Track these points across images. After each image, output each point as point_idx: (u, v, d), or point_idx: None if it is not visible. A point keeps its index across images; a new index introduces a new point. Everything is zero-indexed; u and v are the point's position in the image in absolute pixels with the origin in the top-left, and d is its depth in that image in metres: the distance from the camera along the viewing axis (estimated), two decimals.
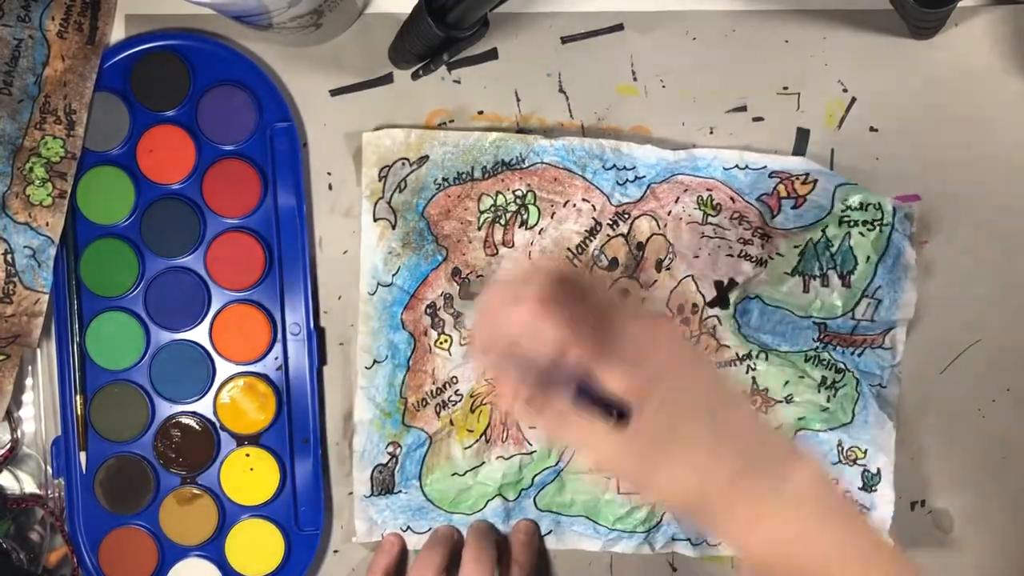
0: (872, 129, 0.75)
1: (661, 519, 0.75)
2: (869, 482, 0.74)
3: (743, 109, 0.74)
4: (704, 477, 0.51)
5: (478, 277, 0.74)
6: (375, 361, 0.74)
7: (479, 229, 0.74)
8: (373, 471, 0.75)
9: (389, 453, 0.75)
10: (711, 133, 0.74)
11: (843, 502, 0.55)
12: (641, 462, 0.51)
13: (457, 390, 0.74)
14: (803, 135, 0.74)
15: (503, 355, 0.51)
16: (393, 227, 0.74)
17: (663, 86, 0.74)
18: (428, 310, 0.74)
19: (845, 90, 0.74)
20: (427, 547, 0.74)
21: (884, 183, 0.74)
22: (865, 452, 0.74)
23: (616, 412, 0.51)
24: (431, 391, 0.74)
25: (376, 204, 0.74)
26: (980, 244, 0.75)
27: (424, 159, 0.73)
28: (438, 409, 0.74)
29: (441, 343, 0.74)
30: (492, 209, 0.74)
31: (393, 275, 0.74)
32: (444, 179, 0.73)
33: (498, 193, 0.73)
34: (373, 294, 0.74)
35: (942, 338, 0.75)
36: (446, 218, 0.74)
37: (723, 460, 0.51)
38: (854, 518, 0.54)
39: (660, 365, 0.51)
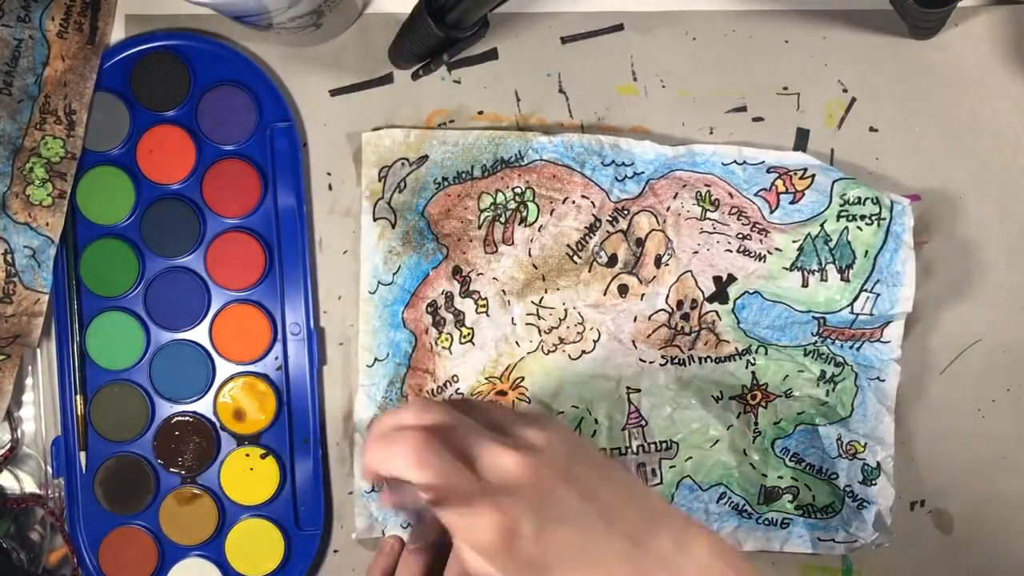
0: (872, 129, 0.75)
1: None
2: (869, 476, 0.74)
3: (743, 109, 0.74)
4: (599, 549, 0.50)
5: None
6: (376, 359, 0.74)
7: (479, 228, 0.74)
8: None
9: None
10: (711, 133, 0.74)
11: (745, 569, 0.53)
12: (532, 566, 0.49)
13: (458, 389, 0.74)
14: (803, 135, 0.74)
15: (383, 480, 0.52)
16: (393, 226, 0.74)
17: (663, 86, 0.74)
18: (429, 309, 0.74)
19: (845, 90, 0.74)
20: (414, 534, 0.74)
21: (884, 183, 0.74)
22: (864, 446, 0.74)
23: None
24: (432, 390, 0.74)
25: (376, 204, 0.74)
26: (980, 244, 0.75)
27: (424, 159, 0.73)
28: None
29: (442, 342, 0.74)
30: (492, 207, 0.74)
31: (394, 274, 0.74)
32: (444, 178, 0.74)
33: (498, 191, 0.74)
34: (374, 293, 0.74)
35: (942, 338, 0.75)
36: (446, 217, 0.74)
37: (613, 548, 0.50)
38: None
39: (520, 478, 0.50)
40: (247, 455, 0.75)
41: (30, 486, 0.77)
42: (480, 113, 0.75)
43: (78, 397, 0.74)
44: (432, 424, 0.51)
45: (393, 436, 0.50)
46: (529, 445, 0.51)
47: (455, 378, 0.74)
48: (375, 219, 0.74)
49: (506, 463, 0.50)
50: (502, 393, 0.74)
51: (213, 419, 0.75)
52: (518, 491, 0.49)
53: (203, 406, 0.75)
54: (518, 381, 0.74)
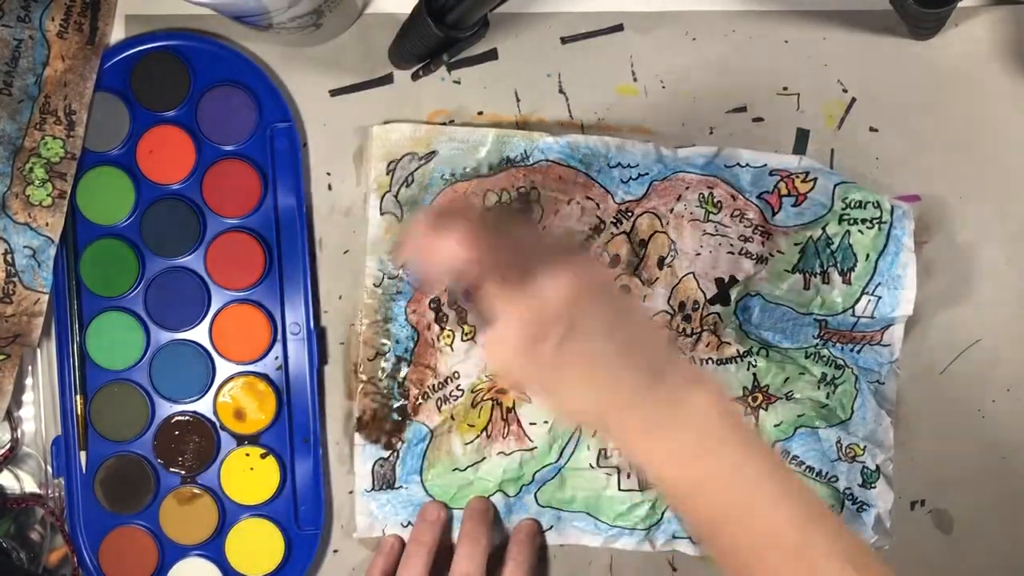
0: (872, 129, 0.75)
1: (662, 516, 0.75)
2: (868, 479, 0.74)
3: (743, 109, 0.74)
4: (602, 396, 0.54)
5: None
6: (377, 353, 0.74)
7: None
8: (374, 465, 0.75)
9: (390, 447, 0.75)
10: (711, 133, 0.74)
11: (742, 425, 0.57)
12: (546, 375, 0.54)
13: (459, 385, 0.74)
14: (803, 135, 0.74)
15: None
16: (400, 221, 0.74)
17: (663, 86, 0.74)
18: (432, 305, 0.74)
19: (845, 90, 0.74)
20: (415, 533, 0.74)
21: (884, 183, 0.74)
22: (864, 449, 0.74)
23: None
24: (433, 385, 0.75)
25: (383, 198, 0.74)
26: (980, 244, 0.75)
27: (432, 154, 0.73)
28: (439, 404, 0.75)
29: (444, 338, 0.74)
30: (497, 206, 0.74)
31: (399, 268, 0.74)
32: (451, 175, 0.74)
33: (503, 190, 0.74)
34: (378, 286, 0.74)
35: (942, 338, 0.75)
36: None
37: (622, 381, 0.54)
38: (753, 442, 0.56)
39: (564, 301, 0.53)
40: (247, 455, 0.75)
41: (30, 486, 0.77)
42: (480, 113, 0.75)
43: (78, 397, 0.74)
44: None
45: (448, 219, 0.54)
46: (560, 278, 0.53)
47: (456, 374, 0.74)
48: (382, 213, 0.74)
49: (547, 280, 0.53)
50: (503, 391, 0.74)
51: (213, 419, 0.75)
52: (556, 303, 0.53)
53: (203, 406, 0.75)
54: None
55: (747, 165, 0.73)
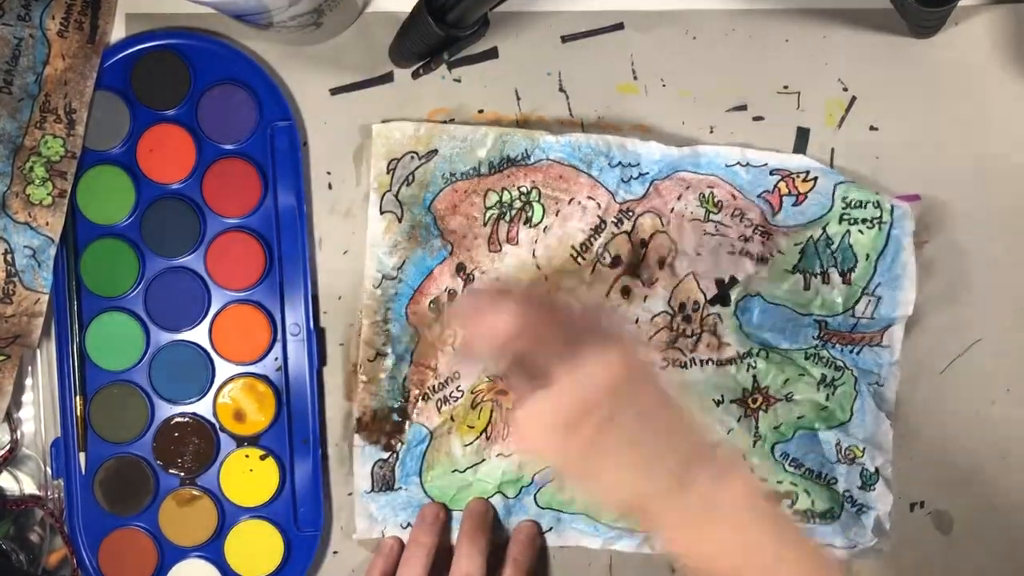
0: (872, 129, 0.75)
1: None
2: (867, 481, 0.74)
3: (743, 108, 0.74)
4: (642, 483, 0.54)
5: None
6: (378, 354, 0.74)
7: (484, 225, 0.74)
8: (374, 466, 0.75)
9: (390, 447, 0.75)
10: (711, 132, 0.74)
11: (777, 514, 0.58)
12: (583, 461, 0.54)
13: (459, 386, 0.74)
14: (803, 134, 0.74)
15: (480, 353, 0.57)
16: (399, 220, 0.74)
17: (663, 85, 0.75)
18: (432, 305, 0.74)
19: (845, 89, 0.74)
20: (414, 534, 0.74)
21: (884, 183, 0.74)
22: (863, 451, 0.74)
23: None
24: (433, 386, 0.74)
25: (383, 197, 0.74)
26: (980, 244, 0.75)
27: (433, 153, 0.73)
28: (439, 404, 0.74)
29: (445, 338, 0.74)
30: (497, 205, 0.74)
31: (398, 269, 0.74)
32: (452, 174, 0.74)
33: (504, 190, 0.74)
34: (377, 287, 0.74)
35: (942, 338, 0.75)
36: (452, 213, 0.74)
37: (662, 468, 0.54)
38: (789, 531, 0.57)
39: (610, 383, 0.53)
40: (246, 456, 0.75)
41: (29, 487, 0.76)
42: (480, 112, 0.75)
43: (78, 398, 0.74)
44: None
45: (499, 294, 0.56)
46: (601, 363, 0.54)
47: (456, 375, 0.74)
48: (382, 212, 0.74)
49: (591, 363, 0.53)
50: (503, 392, 0.74)
51: (213, 420, 0.75)
52: (598, 388, 0.53)
53: (203, 407, 0.75)
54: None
55: (748, 164, 0.73)
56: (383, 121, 0.74)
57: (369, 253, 0.74)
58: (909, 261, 0.73)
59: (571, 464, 0.55)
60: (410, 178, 0.73)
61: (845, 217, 0.72)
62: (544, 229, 0.74)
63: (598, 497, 0.58)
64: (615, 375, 0.53)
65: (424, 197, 0.74)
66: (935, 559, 0.76)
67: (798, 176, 0.73)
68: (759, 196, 0.73)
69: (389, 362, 0.74)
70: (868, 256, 0.72)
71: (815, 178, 0.73)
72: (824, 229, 0.73)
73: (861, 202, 0.72)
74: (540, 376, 0.54)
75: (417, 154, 0.73)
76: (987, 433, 0.76)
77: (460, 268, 0.74)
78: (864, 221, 0.72)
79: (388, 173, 0.73)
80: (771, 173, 0.73)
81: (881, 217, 0.72)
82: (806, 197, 0.73)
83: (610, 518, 0.75)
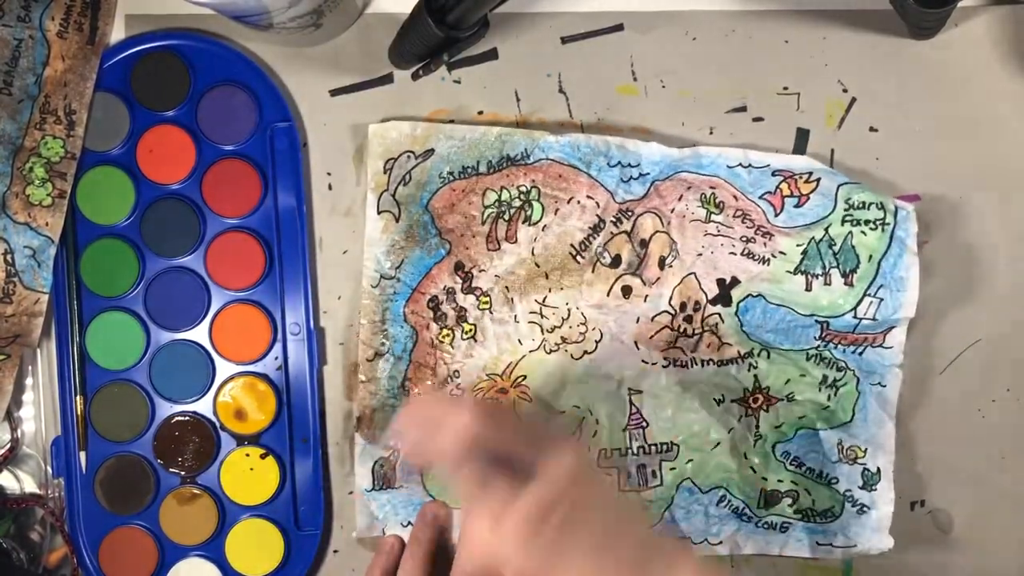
0: (872, 129, 0.75)
1: (661, 517, 0.75)
2: (869, 481, 0.74)
3: (743, 109, 0.74)
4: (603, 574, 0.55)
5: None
6: (377, 354, 0.74)
7: (483, 224, 0.74)
8: (374, 465, 0.75)
9: (390, 447, 0.75)
10: (711, 133, 0.74)
11: None
12: (547, 558, 0.54)
13: (459, 384, 0.74)
14: (803, 135, 0.74)
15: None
16: (397, 220, 0.74)
17: (663, 86, 0.74)
18: (431, 304, 0.74)
19: (845, 90, 0.74)
20: (414, 533, 0.74)
21: (884, 183, 0.74)
22: (865, 451, 0.74)
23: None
24: (432, 385, 0.74)
25: (380, 196, 0.74)
26: (980, 244, 0.75)
27: (430, 152, 0.73)
28: None
29: (443, 337, 0.74)
30: (496, 204, 0.74)
31: (396, 268, 0.74)
32: (449, 173, 0.74)
33: (503, 188, 0.74)
34: (376, 287, 0.74)
35: (942, 338, 0.75)
36: (450, 212, 0.74)
37: (621, 561, 0.55)
38: None
39: (571, 476, 0.55)
40: (247, 455, 0.75)
41: (30, 486, 0.77)
42: (480, 113, 0.75)
43: (78, 397, 0.74)
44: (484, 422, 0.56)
45: (452, 401, 0.58)
46: (561, 462, 0.55)
47: (456, 374, 0.74)
48: (379, 212, 0.74)
49: (553, 462, 0.55)
50: (503, 391, 0.74)
51: (213, 419, 0.75)
52: (561, 486, 0.54)
53: (203, 406, 0.75)
54: (520, 379, 0.74)
55: (750, 165, 0.73)
56: (381, 121, 0.74)
57: (367, 253, 0.74)
58: (912, 263, 0.72)
59: (534, 561, 0.55)
60: (407, 177, 0.73)
61: (848, 218, 0.72)
62: (543, 228, 0.74)
63: None
64: (575, 473, 0.55)
65: (421, 196, 0.74)
66: (935, 559, 0.76)
67: (801, 177, 0.73)
68: (761, 197, 0.73)
69: (388, 361, 0.74)
70: (871, 257, 0.72)
71: (818, 179, 0.73)
72: (826, 230, 0.72)
73: (865, 203, 0.72)
74: (510, 473, 0.55)
75: (414, 153, 0.73)
76: (987, 433, 0.76)
77: (459, 266, 0.74)
78: (867, 222, 0.72)
79: (385, 173, 0.74)
80: (774, 174, 0.73)
81: (885, 219, 0.72)
82: (808, 198, 0.73)
83: None
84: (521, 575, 0.54)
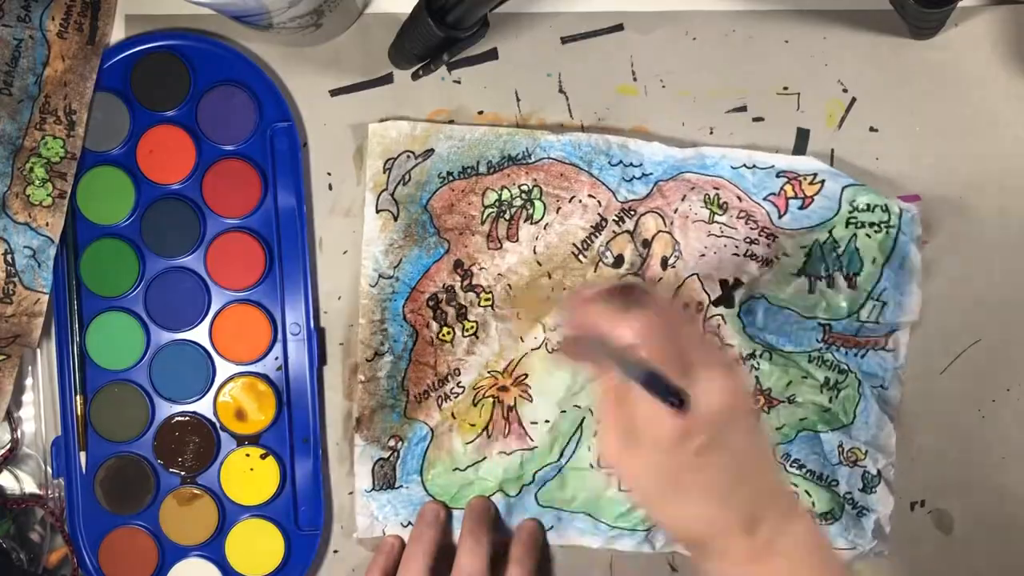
0: (872, 129, 0.75)
1: None
2: (869, 483, 0.74)
3: (743, 109, 0.74)
4: (717, 517, 0.55)
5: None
6: (376, 353, 0.74)
7: (483, 224, 0.74)
8: (374, 465, 0.75)
9: (390, 447, 0.75)
10: (711, 133, 0.74)
11: (832, 556, 0.61)
12: (671, 484, 0.55)
13: (459, 382, 0.74)
14: (803, 135, 0.74)
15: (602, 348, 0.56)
16: (395, 219, 0.74)
17: (663, 86, 0.74)
18: (430, 302, 0.74)
19: (845, 90, 0.74)
20: (415, 533, 0.74)
21: (884, 183, 0.74)
22: (865, 453, 0.74)
23: (675, 402, 0.53)
24: (432, 383, 0.75)
25: (379, 196, 0.74)
26: (980, 244, 0.75)
27: (429, 152, 0.73)
28: (439, 401, 0.75)
29: (443, 335, 0.74)
30: (497, 204, 0.74)
31: (394, 267, 0.74)
32: (449, 173, 0.74)
33: (503, 188, 0.74)
34: (374, 286, 0.74)
35: (942, 338, 0.75)
36: (450, 212, 0.74)
37: (737, 505, 0.55)
38: (841, 574, 0.59)
39: (718, 409, 0.54)
40: (247, 455, 0.75)
41: (30, 486, 0.77)
42: (480, 113, 0.75)
43: (78, 397, 0.74)
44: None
45: (628, 302, 0.56)
46: (710, 396, 0.54)
47: (456, 371, 0.74)
48: (378, 211, 0.74)
49: (705, 389, 0.54)
50: (504, 388, 0.74)
51: (213, 419, 0.75)
52: (705, 414, 0.53)
53: (203, 406, 0.75)
54: (521, 377, 0.74)
55: (754, 166, 0.73)
56: (380, 120, 0.74)
57: (365, 252, 0.74)
58: (915, 267, 0.72)
59: (656, 484, 0.55)
60: (406, 177, 0.74)
61: (852, 221, 0.72)
62: (545, 226, 0.74)
63: (667, 521, 0.58)
64: (724, 404, 0.54)
65: (421, 196, 0.74)
66: (935, 559, 0.76)
67: (805, 179, 0.73)
68: (765, 198, 0.73)
69: (387, 361, 0.74)
70: (875, 260, 0.72)
71: (822, 181, 0.72)
72: (830, 232, 0.72)
73: (869, 206, 0.72)
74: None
75: (413, 153, 0.73)
76: (987, 433, 0.76)
77: (458, 265, 0.74)
78: (872, 225, 0.72)
79: (384, 172, 0.74)
80: (778, 175, 0.73)
81: (889, 221, 0.72)
82: (812, 200, 0.73)
83: (611, 517, 0.75)
84: (642, 489, 0.56)
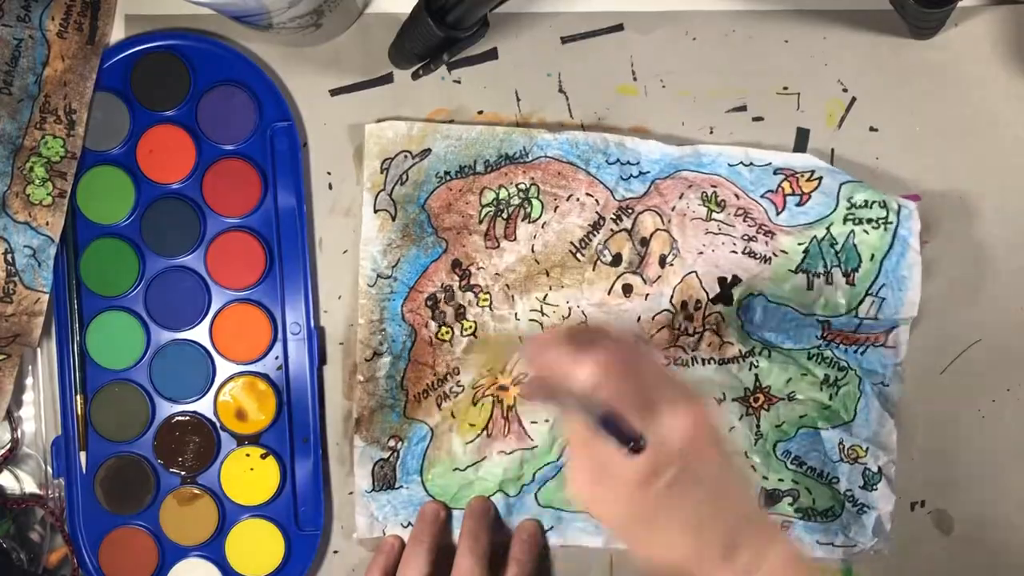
0: (872, 129, 0.75)
1: None
2: (869, 481, 0.74)
3: (743, 109, 0.74)
4: (695, 547, 0.55)
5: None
6: (375, 353, 0.74)
7: (480, 223, 0.74)
8: (374, 466, 0.75)
9: (390, 447, 0.75)
10: (711, 133, 0.74)
11: (814, 574, 0.61)
12: (645, 519, 0.55)
13: (459, 381, 0.74)
14: (803, 135, 0.74)
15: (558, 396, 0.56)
16: (393, 219, 0.74)
17: (663, 86, 0.74)
18: (429, 302, 0.74)
19: (845, 90, 0.74)
20: (415, 533, 0.74)
21: (884, 183, 0.74)
22: (866, 450, 0.73)
23: (632, 445, 0.54)
24: (432, 383, 0.75)
25: (377, 196, 0.74)
26: (980, 244, 0.75)
27: (426, 152, 0.73)
28: (439, 401, 0.75)
29: (442, 335, 0.74)
30: (495, 203, 0.74)
31: (393, 267, 0.74)
32: (446, 172, 0.74)
33: (501, 187, 0.74)
34: (372, 286, 0.74)
35: (942, 338, 0.75)
36: (447, 211, 0.74)
37: (715, 532, 0.55)
38: None
39: (683, 443, 0.54)
40: (247, 455, 0.75)
41: (30, 486, 0.77)
42: (480, 113, 0.75)
43: (78, 397, 0.74)
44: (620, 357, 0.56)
45: (587, 347, 0.55)
46: (675, 431, 0.54)
47: (455, 371, 0.74)
48: (375, 211, 0.74)
49: (668, 423, 0.54)
50: (503, 388, 0.74)
51: (213, 419, 0.75)
52: (672, 448, 0.54)
53: (203, 406, 0.75)
54: (521, 376, 0.74)
55: (751, 164, 0.73)
56: (377, 120, 0.74)
57: (363, 252, 0.74)
58: (915, 262, 0.72)
59: (631, 520, 0.56)
60: (404, 177, 0.74)
61: (850, 217, 0.72)
62: (543, 225, 0.74)
63: (645, 554, 0.58)
64: (689, 437, 0.54)
65: (418, 196, 0.74)
66: (935, 559, 0.76)
67: (803, 176, 0.73)
68: (762, 196, 0.73)
69: (386, 361, 0.74)
70: (873, 256, 0.72)
71: (820, 177, 0.72)
72: (828, 229, 0.72)
73: (867, 202, 0.72)
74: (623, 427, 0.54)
75: (410, 153, 0.73)
76: (987, 433, 0.76)
77: (456, 264, 0.74)
78: (870, 221, 0.72)
79: (381, 172, 0.74)
80: (775, 172, 0.73)
81: (887, 217, 0.72)
82: (810, 197, 0.73)
83: None
84: (618, 527, 0.56)
